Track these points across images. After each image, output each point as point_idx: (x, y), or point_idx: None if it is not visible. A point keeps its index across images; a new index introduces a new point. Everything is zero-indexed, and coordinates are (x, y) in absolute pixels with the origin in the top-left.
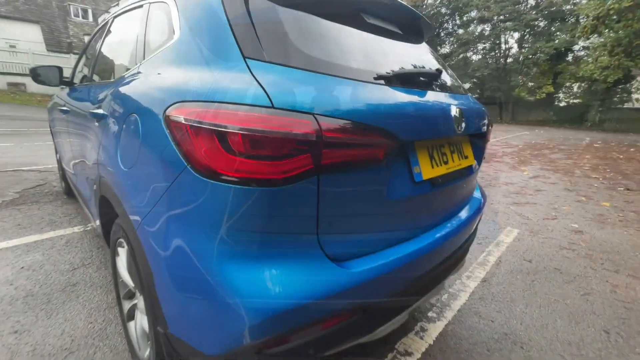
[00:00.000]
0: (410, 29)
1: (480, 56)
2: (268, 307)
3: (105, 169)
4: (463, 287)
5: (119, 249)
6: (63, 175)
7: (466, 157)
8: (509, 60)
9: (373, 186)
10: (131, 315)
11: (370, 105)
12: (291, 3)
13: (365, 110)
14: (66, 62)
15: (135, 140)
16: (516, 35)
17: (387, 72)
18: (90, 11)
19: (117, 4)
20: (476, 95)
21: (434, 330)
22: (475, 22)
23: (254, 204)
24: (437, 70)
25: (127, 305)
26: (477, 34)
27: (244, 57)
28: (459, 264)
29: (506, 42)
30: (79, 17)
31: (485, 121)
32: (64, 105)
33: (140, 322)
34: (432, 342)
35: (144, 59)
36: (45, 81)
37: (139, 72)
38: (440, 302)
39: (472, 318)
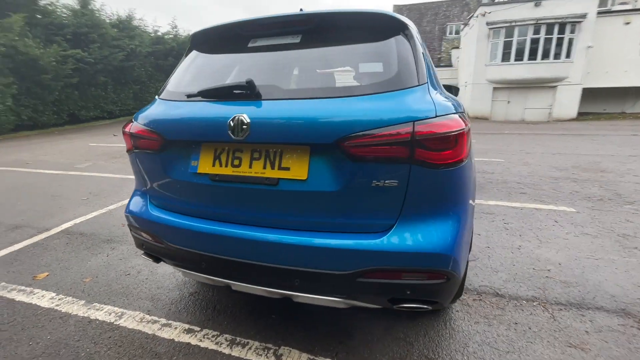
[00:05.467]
0: (324, 31)
1: None
2: (127, 211)
3: None
4: None
5: None
6: None
7: (285, 169)
8: None
9: (155, 164)
10: None
11: (152, 115)
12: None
13: (149, 119)
14: None
15: None
16: None
17: (197, 91)
18: (461, 27)
19: None
20: None
21: None
22: None
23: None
24: (248, 82)
25: None
26: None
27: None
28: (303, 287)
29: None
30: (452, 34)
31: (327, 129)
32: None
33: None
34: None
35: None
36: None
37: None
38: None
39: None
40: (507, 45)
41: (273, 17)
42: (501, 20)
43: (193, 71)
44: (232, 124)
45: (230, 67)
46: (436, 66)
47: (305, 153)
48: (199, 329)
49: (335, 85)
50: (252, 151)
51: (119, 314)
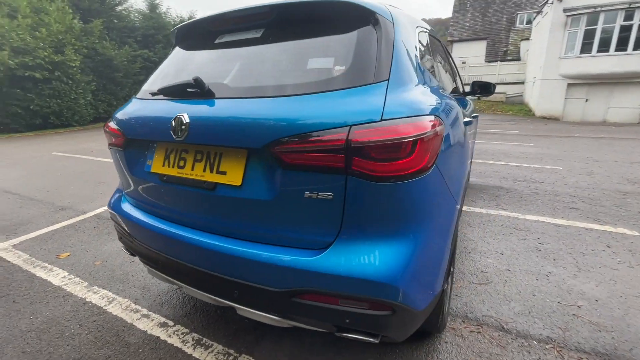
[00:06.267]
0: (289, 22)
1: None
2: (108, 205)
3: None
4: None
5: None
6: None
7: (222, 173)
8: None
9: (121, 161)
10: None
11: (121, 114)
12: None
13: (116, 116)
14: (492, 69)
15: None
16: None
17: (157, 89)
18: (534, 15)
19: None
20: None
21: None
22: None
23: None
24: (195, 80)
25: None
26: None
27: None
28: (244, 297)
29: None
30: (523, 24)
31: (258, 132)
32: None
33: None
34: None
35: None
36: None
37: None
38: None
39: None
40: (589, 35)
41: (236, 11)
42: (582, 5)
43: (170, 69)
44: (173, 123)
45: (200, 64)
46: (501, 60)
47: (242, 157)
48: (172, 324)
49: (279, 83)
50: (195, 152)
51: (110, 299)
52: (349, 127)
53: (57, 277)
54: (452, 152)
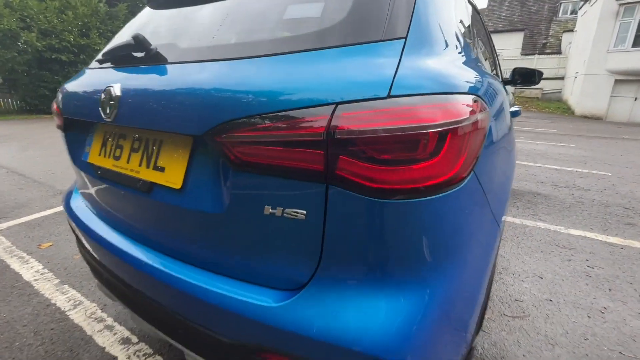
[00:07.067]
0: None
1: None
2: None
3: None
4: None
5: None
6: None
7: (160, 169)
8: None
9: (65, 145)
10: None
11: (64, 88)
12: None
13: (61, 93)
14: (528, 63)
15: None
16: None
17: (101, 57)
18: (580, 4)
19: None
20: None
21: None
22: None
23: None
24: (135, 39)
25: None
26: None
27: None
28: (182, 334)
29: None
30: (566, 14)
31: (200, 112)
32: None
33: None
34: None
35: None
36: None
37: None
38: None
39: None
40: None
41: None
42: None
43: (130, 31)
44: (102, 97)
45: (161, 23)
46: (539, 53)
47: (185, 148)
48: (136, 340)
49: (246, 40)
50: (133, 139)
51: (77, 302)
52: (333, 107)
53: (30, 270)
54: (498, 154)
